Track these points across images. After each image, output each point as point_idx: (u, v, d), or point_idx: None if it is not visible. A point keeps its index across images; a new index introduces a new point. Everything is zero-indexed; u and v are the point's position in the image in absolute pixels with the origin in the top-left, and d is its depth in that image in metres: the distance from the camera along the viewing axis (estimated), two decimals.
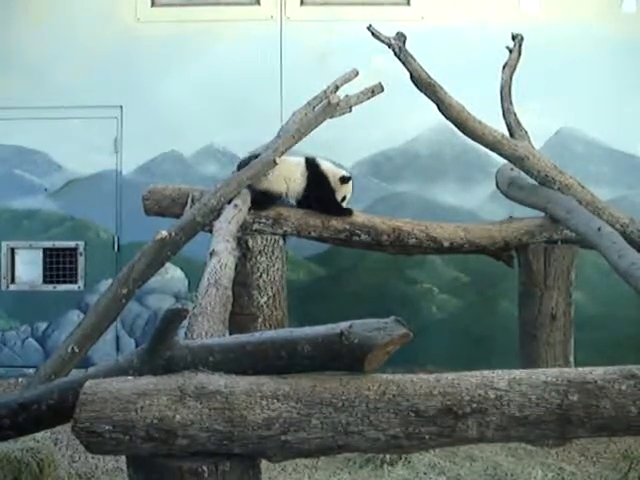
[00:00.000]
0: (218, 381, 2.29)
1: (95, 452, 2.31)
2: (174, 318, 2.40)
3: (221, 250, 3.77)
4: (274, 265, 4.88)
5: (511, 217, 5.34)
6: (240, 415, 2.22)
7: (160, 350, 2.43)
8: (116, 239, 6.89)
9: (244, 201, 4.61)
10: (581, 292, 5.95)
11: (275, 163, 4.73)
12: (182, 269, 6.73)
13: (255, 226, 4.84)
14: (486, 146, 5.03)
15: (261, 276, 4.84)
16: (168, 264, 6.44)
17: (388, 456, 4.55)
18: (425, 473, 4.43)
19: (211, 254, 3.75)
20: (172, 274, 6.75)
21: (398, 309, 5.51)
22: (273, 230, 4.85)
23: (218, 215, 4.45)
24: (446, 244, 4.96)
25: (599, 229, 4.33)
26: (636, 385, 2.30)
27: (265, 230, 4.85)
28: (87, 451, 2.31)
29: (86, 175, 7.00)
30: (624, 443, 5.06)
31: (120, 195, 6.89)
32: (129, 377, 2.38)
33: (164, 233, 4.43)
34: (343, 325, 2.32)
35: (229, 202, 4.57)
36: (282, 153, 4.78)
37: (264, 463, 2.44)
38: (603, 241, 4.25)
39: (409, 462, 4.55)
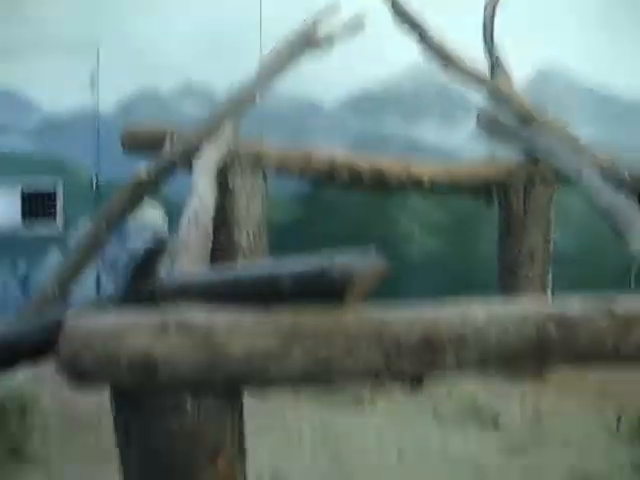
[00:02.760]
0: (199, 315, 2.28)
1: (78, 386, 2.31)
2: (154, 253, 2.39)
3: (201, 187, 3.76)
4: (254, 204, 4.88)
5: (492, 157, 5.35)
6: (221, 349, 2.23)
7: (141, 285, 2.43)
8: (94, 178, 6.81)
9: (224, 139, 4.57)
10: (560, 232, 6.00)
11: (255, 98, 4.69)
12: (162, 210, 6.70)
13: (235, 165, 4.81)
14: (468, 84, 5.00)
15: (242, 215, 4.84)
16: (148, 204, 6.43)
17: (369, 392, 4.64)
18: (405, 406, 4.51)
19: (191, 191, 3.73)
20: (152, 214, 6.70)
21: (379, 250, 5.48)
22: (253, 169, 4.83)
23: (198, 153, 4.42)
24: (427, 183, 4.97)
25: (579, 168, 4.36)
26: (613, 317, 2.34)
27: (246, 169, 4.82)
28: (69, 386, 2.31)
29: (63, 114, 6.89)
30: (601, 380, 5.17)
31: (98, 134, 6.80)
32: (110, 311, 2.38)
33: (143, 171, 4.41)
34: (323, 258, 2.32)
35: (209, 140, 4.53)
36: (262, 89, 4.73)
37: (246, 398, 2.47)
38: (582, 180, 4.28)
39: (389, 396, 4.64)
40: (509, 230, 5.12)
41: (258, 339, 2.25)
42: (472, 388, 4.91)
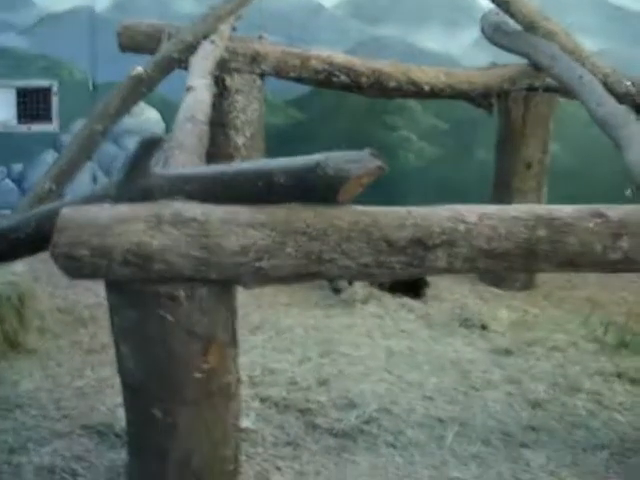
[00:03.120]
0: (194, 209, 2.31)
1: (74, 277, 2.35)
2: (150, 146, 2.39)
3: (197, 86, 3.72)
4: (252, 105, 4.83)
5: (494, 63, 5.27)
6: (216, 242, 2.26)
7: (136, 179, 2.43)
8: (91, 78, 6.71)
9: (221, 37, 4.49)
10: (559, 144, 5.97)
11: None
12: (158, 110, 6.63)
13: (233, 64, 4.74)
14: None
15: (238, 116, 4.80)
16: (144, 105, 6.36)
17: (361, 295, 4.73)
18: (395, 311, 4.61)
19: (187, 90, 3.69)
20: (148, 115, 6.64)
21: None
22: (251, 69, 4.76)
23: (194, 51, 4.35)
24: (426, 88, 4.91)
25: (580, 77, 4.30)
26: (603, 223, 2.37)
27: (243, 69, 4.75)
28: (66, 276, 2.35)
29: (59, 11, 6.73)
30: (588, 290, 5.28)
31: (94, 33, 6.65)
32: (106, 204, 2.39)
33: (140, 69, 4.35)
34: (319, 156, 2.33)
35: (206, 38, 4.46)
36: None
37: (240, 301, 2.52)
38: (583, 89, 4.24)
39: (380, 301, 4.73)
40: (507, 139, 5.10)
41: (253, 233, 2.29)
42: (461, 294, 5.02)
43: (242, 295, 4.59)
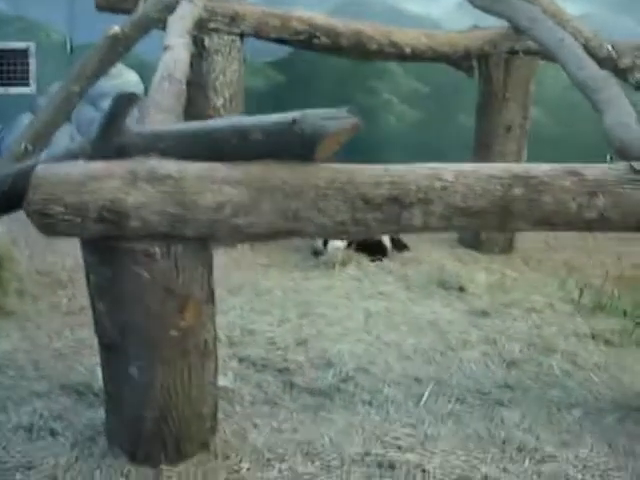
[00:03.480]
0: (170, 166, 2.29)
1: (49, 234, 2.33)
2: (125, 103, 2.36)
3: (175, 44, 3.66)
4: (231, 66, 4.78)
5: (475, 26, 5.24)
6: (191, 198, 2.25)
7: (111, 136, 2.40)
8: (69, 40, 6.61)
9: None
10: (539, 108, 5.97)
11: None
12: (137, 72, 6.55)
13: (211, 24, 4.68)
14: None
15: (217, 77, 4.75)
16: (122, 67, 6.28)
17: (340, 258, 4.74)
18: (374, 273, 4.63)
19: (165, 49, 3.64)
20: (127, 77, 6.56)
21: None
22: (230, 29, 4.70)
23: (173, 11, 4.28)
24: (407, 50, 4.88)
25: (561, 40, 4.28)
26: (578, 182, 2.38)
27: (222, 29, 4.70)
28: (41, 233, 2.33)
29: None
30: (566, 253, 5.32)
31: None
32: (80, 161, 2.37)
33: (116, 29, 4.29)
34: (295, 113, 2.31)
35: None
36: None
37: (219, 262, 2.51)
38: (564, 52, 4.21)
39: (359, 264, 4.75)
40: (487, 102, 5.09)
41: (228, 190, 2.28)
42: (441, 257, 5.04)
43: (221, 257, 4.63)
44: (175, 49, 3.63)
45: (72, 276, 4.29)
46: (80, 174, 2.28)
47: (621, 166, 2.44)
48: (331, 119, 2.31)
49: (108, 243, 2.33)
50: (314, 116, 2.32)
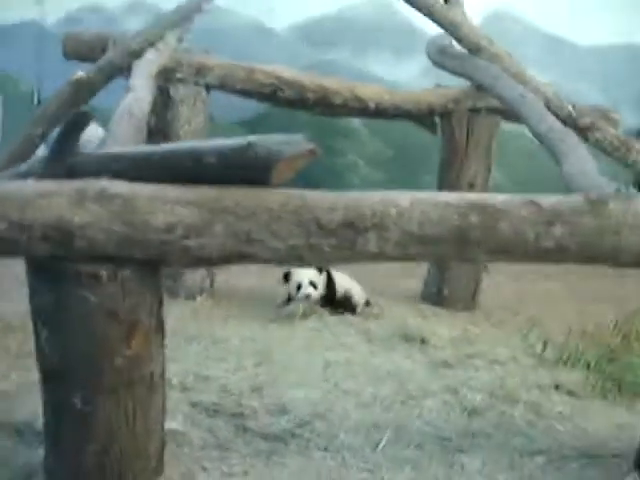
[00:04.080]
0: (121, 186, 2.24)
1: None
2: (78, 121, 2.32)
3: (137, 85, 3.66)
4: (196, 117, 4.78)
5: (438, 85, 5.33)
6: (141, 218, 2.19)
7: (63, 156, 2.36)
8: (36, 91, 6.61)
9: (167, 45, 4.45)
10: (501, 173, 6.05)
11: (202, 10, 4.57)
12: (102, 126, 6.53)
13: (177, 75, 4.69)
14: (419, 10, 4.95)
15: (182, 126, 4.74)
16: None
17: (301, 311, 4.66)
18: (335, 325, 4.55)
19: (127, 90, 3.64)
20: (95, 133, 6.52)
21: (323, 179, 5.51)
22: (196, 79, 4.72)
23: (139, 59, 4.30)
24: (371, 105, 4.92)
25: (522, 95, 4.36)
26: (535, 212, 2.36)
27: (187, 79, 4.71)
28: None
29: (6, 25, 6.65)
30: (529, 311, 5.29)
31: (43, 47, 6.57)
32: (29, 180, 2.31)
33: (81, 74, 4.29)
34: (251, 137, 2.29)
35: (151, 47, 4.41)
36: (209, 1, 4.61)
37: (176, 313, 2.43)
38: (525, 107, 4.28)
39: (321, 316, 4.67)
40: (450, 159, 5.13)
41: (180, 211, 2.22)
42: (403, 312, 4.98)
43: (179, 307, 4.53)
44: (137, 90, 3.63)
45: (24, 321, 4.13)
46: (27, 192, 2.21)
47: (577, 197, 2.44)
48: (286, 143, 2.29)
49: (54, 265, 2.25)
50: (269, 140, 2.29)
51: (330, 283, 4.77)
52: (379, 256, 2.32)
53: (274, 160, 2.25)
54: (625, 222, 2.39)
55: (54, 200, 2.19)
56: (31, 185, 2.25)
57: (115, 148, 2.62)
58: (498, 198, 2.38)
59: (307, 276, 4.57)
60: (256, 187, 2.29)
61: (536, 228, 2.33)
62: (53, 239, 2.18)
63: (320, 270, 4.65)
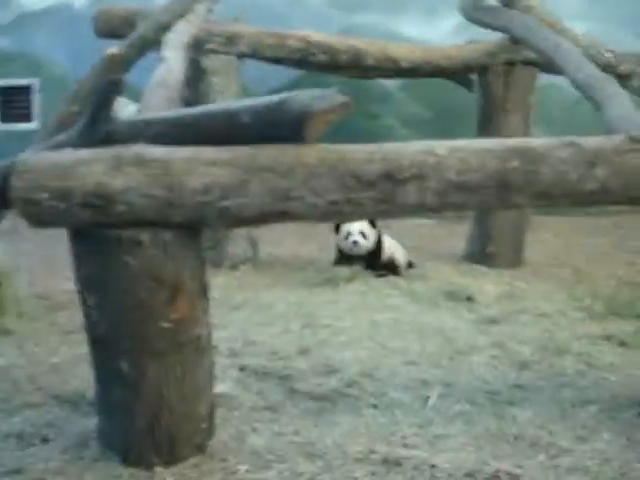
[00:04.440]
0: (156, 150, 2.24)
1: (34, 224, 2.28)
2: (112, 89, 2.33)
3: (170, 57, 3.67)
4: (229, 87, 4.78)
5: (472, 41, 5.23)
6: (179, 181, 2.19)
7: (99, 124, 2.37)
8: (72, 75, 6.65)
9: (197, 17, 4.44)
10: (541, 127, 5.93)
11: None
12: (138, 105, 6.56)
13: (209, 45, 4.68)
14: None
15: (216, 98, 4.73)
16: (125, 99, 6.29)
17: (345, 274, 4.65)
18: (380, 288, 4.53)
19: (160, 60, 3.64)
20: (131, 110, 6.56)
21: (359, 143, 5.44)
22: (227, 49, 4.71)
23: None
24: (405, 64, 4.86)
25: (558, 45, 4.26)
26: (576, 153, 2.31)
27: (219, 49, 4.70)
28: (28, 224, 2.28)
29: (37, 9, 6.69)
30: (575, 264, 5.22)
31: (74, 30, 6.61)
32: (67, 149, 2.32)
33: (114, 49, 4.30)
34: (283, 94, 2.27)
35: (181, 19, 4.41)
36: None
37: (220, 283, 2.43)
38: (562, 56, 4.19)
39: (365, 279, 4.66)
40: (488, 115, 5.05)
41: (216, 172, 2.22)
42: (447, 272, 4.95)
43: (222, 278, 4.56)
44: (170, 60, 3.63)
45: (71, 298, 4.19)
46: (65, 160, 2.23)
47: (619, 137, 2.37)
48: (319, 98, 2.26)
49: (95, 232, 2.27)
50: (302, 96, 2.27)
51: (379, 245, 4.77)
52: (419, 207, 2.29)
53: (307, 114, 2.23)
54: None
55: (92, 167, 2.20)
56: (69, 154, 2.27)
57: (149, 114, 2.62)
58: (537, 142, 2.33)
59: (357, 226, 4.61)
60: (291, 144, 2.28)
61: (578, 170, 2.28)
62: (94, 205, 2.20)
63: (373, 225, 4.68)
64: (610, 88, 3.66)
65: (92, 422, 2.66)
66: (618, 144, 2.31)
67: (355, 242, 4.64)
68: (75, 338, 3.63)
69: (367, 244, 4.68)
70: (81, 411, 2.84)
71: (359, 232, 4.65)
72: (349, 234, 4.64)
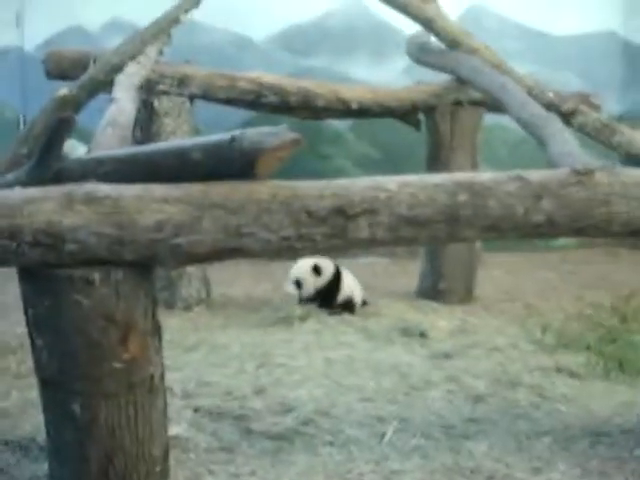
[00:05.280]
0: (107, 188, 2.23)
1: None
2: (63, 126, 2.32)
3: (121, 97, 3.67)
4: (181, 128, 4.79)
5: (420, 82, 5.35)
6: (130, 218, 2.18)
7: (49, 162, 2.36)
8: (22, 118, 6.61)
9: (148, 58, 4.46)
10: (487, 165, 6.05)
11: (179, 21, 4.59)
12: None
13: (160, 87, 4.70)
14: (396, 8, 4.98)
15: (167, 139, 4.73)
16: (75, 142, 6.25)
17: (298, 313, 4.65)
18: (334, 326, 4.54)
19: (111, 102, 3.64)
20: (80, 152, 6.51)
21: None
22: (179, 91, 4.73)
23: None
24: (354, 106, 4.94)
25: (503, 85, 4.39)
26: (523, 187, 2.37)
27: (170, 91, 4.72)
28: None
29: None
30: (525, 299, 5.30)
31: (25, 71, 6.58)
32: (17, 188, 2.30)
33: (64, 90, 4.29)
34: (234, 132, 2.30)
35: (132, 60, 4.42)
36: (186, 12, 4.63)
37: (175, 325, 2.42)
38: (507, 96, 4.31)
39: (319, 318, 4.66)
40: (436, 154, 5.15)
41: (168, 209, 2.22)
42: (400, 309, 4.98)
43: (175, 319, 4.51)
44: (121, 101, 3.63)
45: (23, 342, 4.11)
46: (15, 198, 2.20)
47: (564, 171, 2.45)
48: (270, 135, 2.29)
49: (46, 271, 2.24)
50: (253, 133, 2.30)
51: (338, 284, 4.78)
52: (371, 242, 2.32)
53: (258, 151, 2.25)
54: (613, 192, 2.40)
55: (43, 205, 2.18)
56: (18, 192, 2.24)
57: (100, 152, 2.62)
58: (485, 176, 2.39)
59: (295, 271, 4.62)
60: (243, 180, 2.29)
61: (525, 203, 2.34)
62: (44, 244, 2.17)
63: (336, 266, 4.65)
64: (554, 126, 3.77)
65: (43, 467, 2.60)
66: (563, 178, 2.38)
67: (287, 294, 4.68)
68: (25, 382, 3.54)
69: (306, 291, 4.69)
70: (32, 456, 2.77)
71: (294, 280, 4.65)
72: (289, 279, 4.65)
